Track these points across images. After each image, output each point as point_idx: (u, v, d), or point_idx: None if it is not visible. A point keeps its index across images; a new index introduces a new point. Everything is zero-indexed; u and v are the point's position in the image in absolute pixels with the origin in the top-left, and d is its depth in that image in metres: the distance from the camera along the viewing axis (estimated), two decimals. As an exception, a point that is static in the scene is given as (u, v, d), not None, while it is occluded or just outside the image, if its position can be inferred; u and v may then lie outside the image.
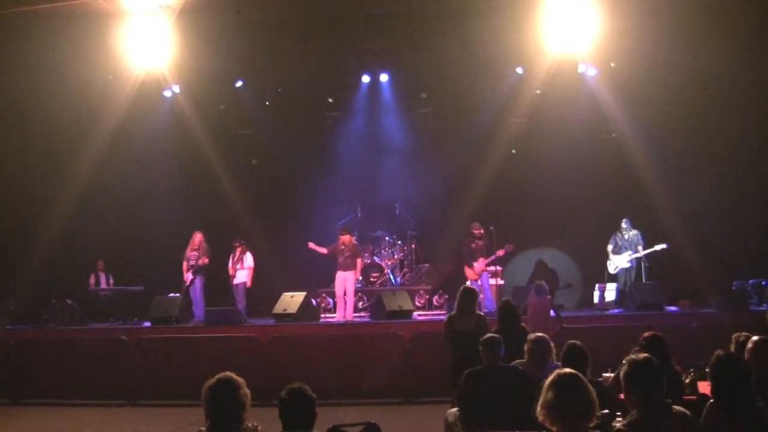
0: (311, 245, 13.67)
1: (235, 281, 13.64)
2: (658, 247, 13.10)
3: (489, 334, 6.71)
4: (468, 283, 13.22)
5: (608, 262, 13.62)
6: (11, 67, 13.72)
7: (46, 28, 12.80)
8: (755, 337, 5.39)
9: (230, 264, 13.73)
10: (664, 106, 14.28)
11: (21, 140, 14.69)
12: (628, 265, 13.42)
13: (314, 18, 13.91)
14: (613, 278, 13.72)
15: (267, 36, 14.32)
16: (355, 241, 13.75)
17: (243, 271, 13.64)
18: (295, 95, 16.07)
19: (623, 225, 13.59)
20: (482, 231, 13.56)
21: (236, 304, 13.38)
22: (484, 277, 13.53)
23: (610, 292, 13.74)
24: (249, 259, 13.73)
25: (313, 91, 15.97)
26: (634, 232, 13.51)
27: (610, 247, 13.60)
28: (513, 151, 16.03)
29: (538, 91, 15.08)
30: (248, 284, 13.72)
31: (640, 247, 13.35)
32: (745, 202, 14.10)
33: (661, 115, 14.45)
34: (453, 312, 8.42)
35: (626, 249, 13.45)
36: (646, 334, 6.06)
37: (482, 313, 8.60)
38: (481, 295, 12.74)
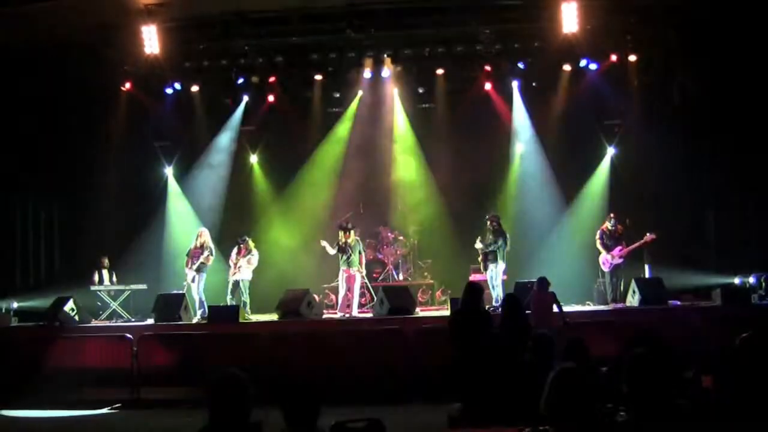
0: (323, 243, 13.58)
1: (241, 277, 13.52)
2: (647, 238, 13.09)
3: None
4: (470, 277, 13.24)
5: (600, 258, 13.61)
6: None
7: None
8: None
9: (233, 258, 13.61)
10: (663, 98, 14.31)
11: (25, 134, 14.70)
12: (619, 261, 13.42)
13: (316, 12, 13.92)
14: (606, 275, 13.72)
15: (269, 31, 14.34)
16: (357, 237, 13.66)
17: (249, 267, 13.58)
18: (298, 91, 16.05)
19: (609, 221, 13.58)
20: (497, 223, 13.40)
21: (241, 300, 13.36)
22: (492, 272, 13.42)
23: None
24: (256, 256, 13.66)
25: (317, 86, 15.93)
26: (620, 228, 13.50)
27: (599, 243, 13.60)
28: (518, 147, 16.00)
29: (533, 84, 15.15)
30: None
31: (623, 242, 13.35)
32: (750, 196, 14.06)
33: (663, 107, 14.47)
34: (458, 307, 8.43)
35: (613, 245, 13.45)
36: (636, 332, 6.07)
37: (487, 309, 8.59)
38: (487, 290, 12.75)
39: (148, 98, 15.45)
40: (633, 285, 12.76)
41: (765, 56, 13.11)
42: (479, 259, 13.39)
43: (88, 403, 10.83)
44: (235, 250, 13.64)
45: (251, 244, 13.71)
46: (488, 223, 13.22)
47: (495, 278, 13.05)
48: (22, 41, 13.17)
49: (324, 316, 13.37)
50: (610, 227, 13.56)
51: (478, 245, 13.21)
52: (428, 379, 10.41)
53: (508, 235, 13.13)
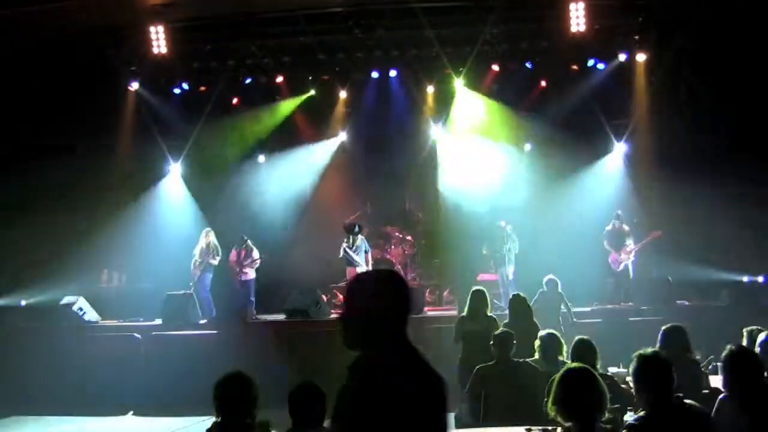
0: (343, 245, 13.54)
1: (246, 277, 13.53)
2: (653, 234, 13.04)
3: (501, 329, 6.73)
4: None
5: (609, 258, 13.57)
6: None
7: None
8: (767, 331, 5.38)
9: (235, 259, 13.59)
10: (670, 98, 14.26)
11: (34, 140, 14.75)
12: (627, 260, 13.37)
13: (324, 12, 13.93)
14: (614, 274, 13.67)
15: (276, 32, 14.36)
16: (362, 236, 13.65)
17: (253, 267, 13.58)
18: (306, 91, 16.06)
19: (616, 220, 13.53)
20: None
21: (248, 300, 13.37)
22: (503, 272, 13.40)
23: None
24: (256, 255, 13.66)
25: (325, 86, 15.94)
26: (626, 228, 13.45)
27: (606, 243, 13.54)
28: (527, 146, 15.96)
29: (542, 83, 15.11)
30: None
31: (631, 242, 13.31)
32: (757, 195, 13.99)
33: (670, 106, 14.42)
34: (464, 312, 8.46)
35: (621, 244, 13.40)
36: (664, 327, 6.04)
37: (493, 315, 8.55)
38: (498, 290, 12.76)
39: (155, 99, 15.48)
40: (641, 285, 12.69)
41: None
42: (491, 263, 13.43)
43: (93, 403, 10.85)
44: (234, 251, 13.61)
45: (250, 244, 13.72)
46: (502, 229, 13.24)
47: (507, 279, 13.07)
48: (30, 41, 13.20)
49: (332, 316, 13.36)
50: (617, 226, 13.51)
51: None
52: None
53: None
